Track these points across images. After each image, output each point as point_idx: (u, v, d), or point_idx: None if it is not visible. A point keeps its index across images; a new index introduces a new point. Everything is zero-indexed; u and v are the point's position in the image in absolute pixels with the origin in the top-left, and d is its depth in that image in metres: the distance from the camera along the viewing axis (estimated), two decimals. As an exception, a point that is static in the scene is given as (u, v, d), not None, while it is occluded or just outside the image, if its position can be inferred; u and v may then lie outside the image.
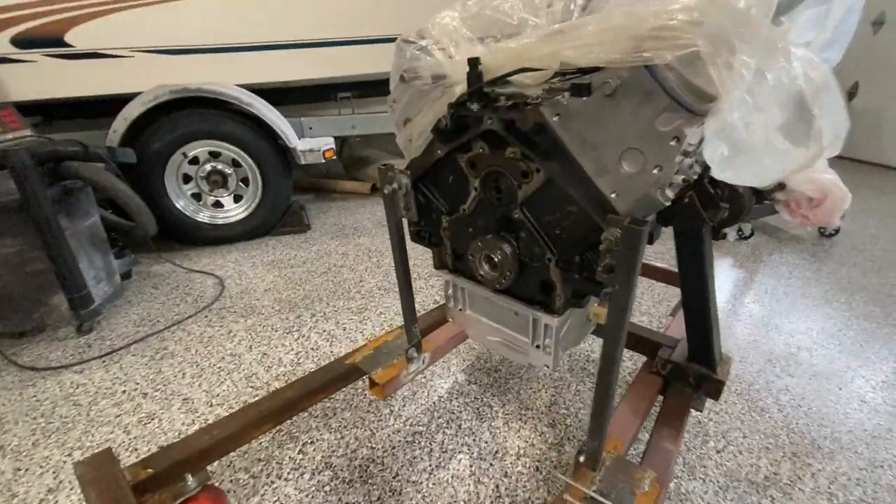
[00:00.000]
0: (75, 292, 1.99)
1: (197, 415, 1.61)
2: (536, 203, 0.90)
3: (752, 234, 3.03)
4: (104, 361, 1.92)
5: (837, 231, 3.00)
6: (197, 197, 2.92)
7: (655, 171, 0.69)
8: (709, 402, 1.53)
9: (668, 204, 0.73)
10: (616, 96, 0.68)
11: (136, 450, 1.48)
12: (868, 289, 2.38)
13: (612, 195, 0.75)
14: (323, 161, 3.02)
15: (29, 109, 2.87)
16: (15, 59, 2.48)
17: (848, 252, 2.82)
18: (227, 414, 1.58)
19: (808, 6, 0.93)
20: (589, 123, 0.73)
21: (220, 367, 1.84)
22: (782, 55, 0.66)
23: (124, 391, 1.74)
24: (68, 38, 2.53)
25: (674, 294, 2.28)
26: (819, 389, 1.71)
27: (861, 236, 3.00)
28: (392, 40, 1.06)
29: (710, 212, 1.06)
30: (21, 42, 2.45)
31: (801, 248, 2.88)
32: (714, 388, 1.23)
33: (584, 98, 0.72)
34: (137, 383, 1.78)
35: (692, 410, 1.32)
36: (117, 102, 2.61)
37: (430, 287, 2.45)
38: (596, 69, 0.80)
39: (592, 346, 1.91)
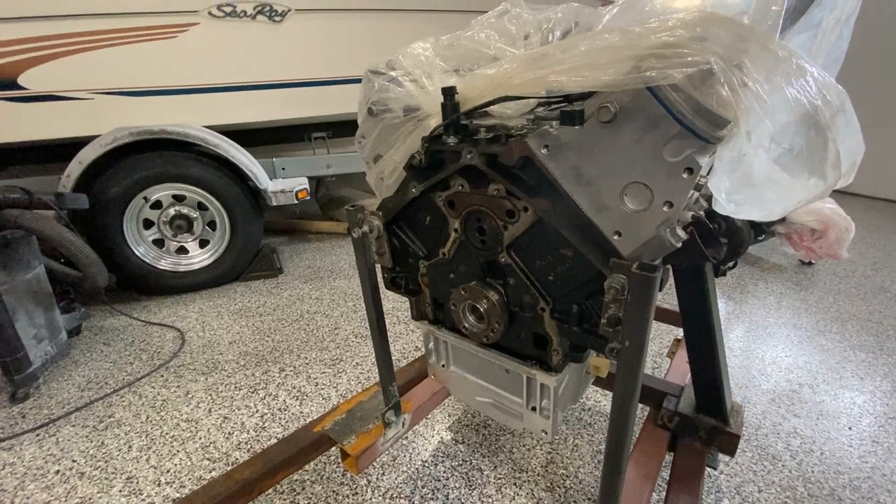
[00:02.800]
0: (8, 355, 1.76)
1: (141, 497, 1.38)
2: (525, 245, 0.80)
3: (735, 265, 3.00)
4: (38, 435, 1.67)
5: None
6: (159, 243, 2.73)
7: (665, 208, 0.59)
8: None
9: (679, 245, 0.63)
10: (615, 123, 0.59)
11: (63, 547, 1.24)
12: (858, 317, 2.34)
13: (615, 236, 0.65)
14: (296, 202, 2.89)
15: (-25, 155, 2.70)
16: (-40, 103, 2.33)
17: (831, 279, 2.80)
18: (176, 495, 1.38)
19: (798, 30, 0.89)
20: (583, 155, 0.64)
21: (173, 437, 1.62)
22: (798, 73, 0.58)
23: (58, 471, 1.50)
24: (22, 80, 2.40)
25: (666, 331, 2.18)
26: (829, 430, 1.60)
27: (839, 262, 3.00)
28: None
29: (712, 248, 0.96)
30: (-33, 85, 2.31)
31: (785, 276, 2.86)
32: (729, 443, 1.11)
33: (577, 127, 0.62)
34: (75, 460, 1.55)
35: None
36: (75, 146, 2.46)
37: (412, 332, 2.29)
38: (584, 96, 0.71)
39: (589, 392, 1.78)
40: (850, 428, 1.61)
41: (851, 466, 1.45)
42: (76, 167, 2.42)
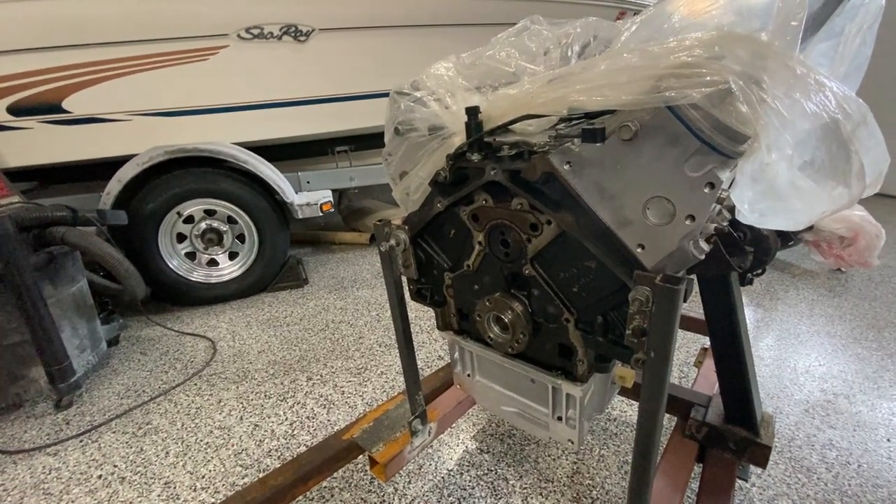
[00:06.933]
0: (55, 365, 1.86)
1: (179, 502, 1.44)
2: (549, 257, 0.82)
3: (763, 272, 2.93)
4: (82, 441, 1.76)
5: (851, 264, 2.90)
6: (191, 256, 2.84)
7: (687, 222, 0.61)
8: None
9: (702, 257, 0.64)
10: (636, 141, 0.61)
11: (107, 549, 1.30)
12: (896, 324, 2.26)
13: (638, 249, 0.66)
14: (320, 214, 2.97)
15: (25, 175, 2.87)
16: (11, 127, 2.49)
17: (866, 285, 2.71)
18: (211, 500, 1.43)
19: (820, 39, 0.89)
20: (605, 171, 0.66)
21: (207, 444, 1.68)
22: (817, 88, 0.59)
23: (100, 476, 1.58)
24: (66, 104, 2.55)
25: (693, 339, 2.15)
26: (866, 442, 1.55)
27: (874, 268, 2.90)
28: (388, 95, 1.01)
29: (737, 258, 0.96)
30: (17, 110, 2.47)
31: (817, 282, 2.77)
32: (760, 455, 1.09)
33: (598, 144, 0.65)
34: (116, 465, 1.62)
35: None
36: (114, 165, 2.60)
37: (434, 341, 2.32)
38: (603, 113, 0.74)
39: (615, 402, 1.76)
40: (888, 440, 1.56)
41: (891, 479, 1.40)
42: (115, 185, 2.55)
